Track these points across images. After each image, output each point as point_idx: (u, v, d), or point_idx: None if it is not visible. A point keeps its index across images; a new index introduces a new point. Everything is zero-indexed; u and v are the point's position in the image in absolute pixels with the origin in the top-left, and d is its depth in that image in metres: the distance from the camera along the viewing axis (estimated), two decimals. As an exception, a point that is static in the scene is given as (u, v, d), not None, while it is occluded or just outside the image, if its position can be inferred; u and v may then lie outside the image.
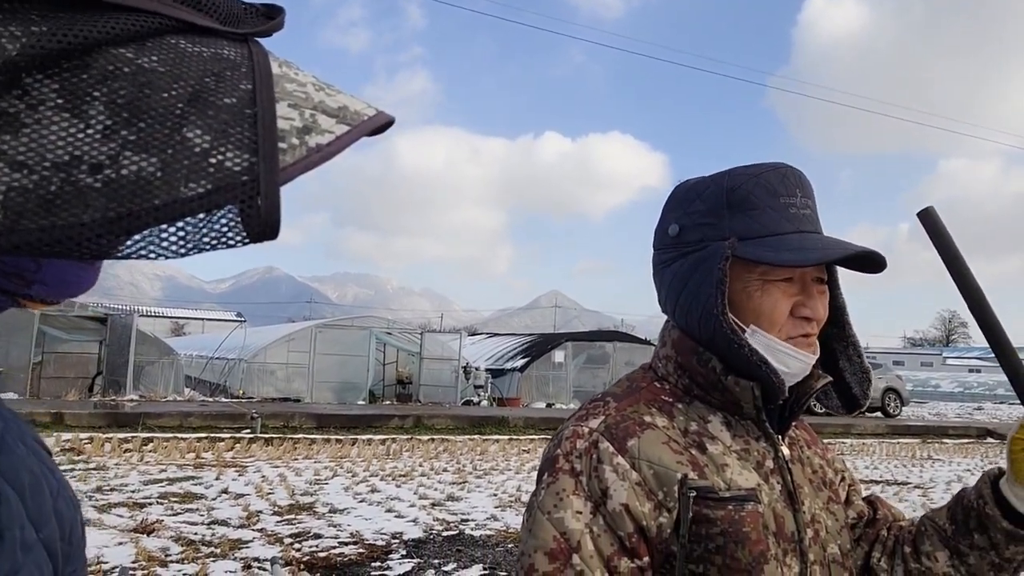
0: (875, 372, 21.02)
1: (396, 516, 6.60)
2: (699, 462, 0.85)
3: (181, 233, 0.32)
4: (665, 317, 0.99)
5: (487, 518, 6.68)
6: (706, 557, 0.82)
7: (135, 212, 0.31)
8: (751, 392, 0.87)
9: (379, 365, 20.06)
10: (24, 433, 0.46)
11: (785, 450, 0.93)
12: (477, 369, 19.23)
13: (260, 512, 6.46)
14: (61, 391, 15.15)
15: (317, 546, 5.50)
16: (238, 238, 0.33)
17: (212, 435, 11.03)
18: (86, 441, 9.61)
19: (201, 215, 0.32)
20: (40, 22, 0.32)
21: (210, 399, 16.88)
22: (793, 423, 0.96)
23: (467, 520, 6.56)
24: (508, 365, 20.16)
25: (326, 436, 11.75)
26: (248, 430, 11.78)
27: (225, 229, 0.33)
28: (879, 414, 20.53)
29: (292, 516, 6.40)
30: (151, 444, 9.99)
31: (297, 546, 5.46)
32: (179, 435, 10.84)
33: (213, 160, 0.32)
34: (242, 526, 5.97)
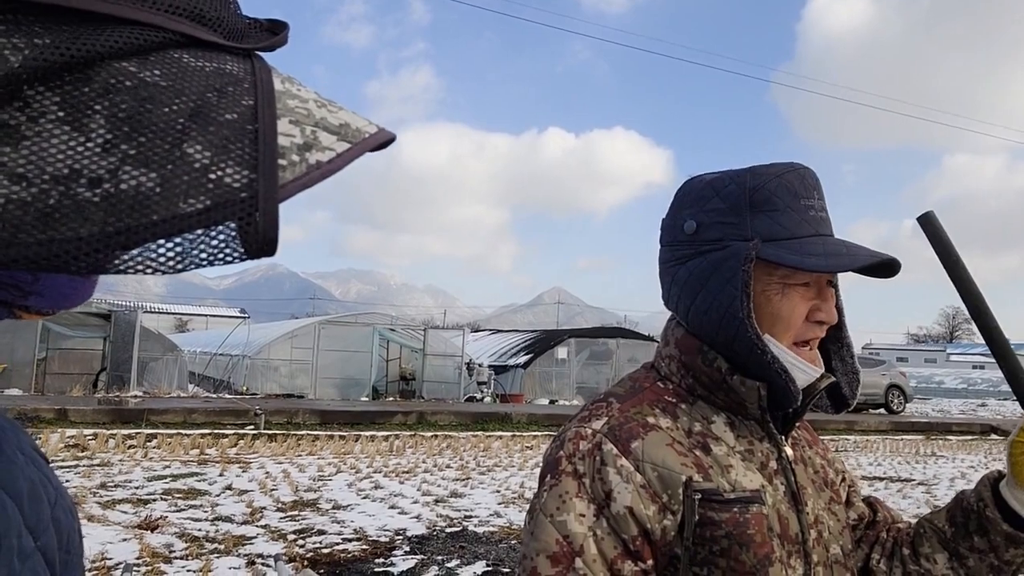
0: (879, 368, 21.00)
1: (399, 512, 6.61)
2: (703, 464, 0.85)
3: (178, 248, 0.32)
4: (668, 314, 0.97)
5: (490, 515, 6.68)
6: (711, 560, 0.81)
7: (133, 227, 0.30)
8: (757, 392, 0.87)
9: (382, 361, 20.11)
10: (22, 441, 0.46)
11: (789, 451, 0.92)
12: (480, 366, 19.24)
13: (264, 508, 6.48)
14: (65, 387, 15.22)
15: (321, 542, 5.51)
16: (235, 254, 0.33)
17: (216, 431, 11.06)
18: (90, 437, 9.64)
19: (199, 231, 0.32)
20: (43, 34, 0.32)
21: (214, 395, 16.92)
22: (796, 423, 0.96)
23: (470, 517, 6.57)
24: (511, 361, 20.17)
25: (329, 432, 11.77)
26: (252, 426, 11.80)
27: (222, 245, 0.33)
28: (883, 410, 20.50)
29: (296, 512, 6.42)
30: (155, 440, 10.03)
31: (301, 542, 5.47)
32: (183, 431, 10.88)
33: (213, 176, 0.32)
34: (246, 522, 5.98)
